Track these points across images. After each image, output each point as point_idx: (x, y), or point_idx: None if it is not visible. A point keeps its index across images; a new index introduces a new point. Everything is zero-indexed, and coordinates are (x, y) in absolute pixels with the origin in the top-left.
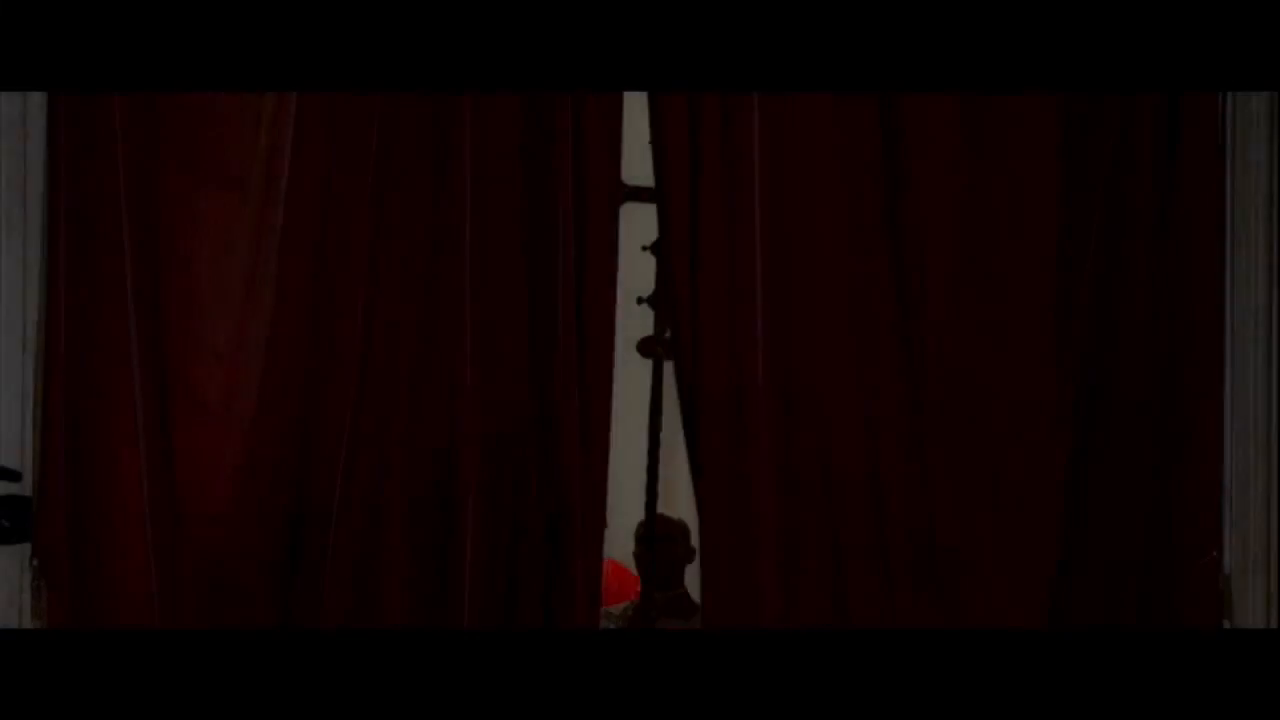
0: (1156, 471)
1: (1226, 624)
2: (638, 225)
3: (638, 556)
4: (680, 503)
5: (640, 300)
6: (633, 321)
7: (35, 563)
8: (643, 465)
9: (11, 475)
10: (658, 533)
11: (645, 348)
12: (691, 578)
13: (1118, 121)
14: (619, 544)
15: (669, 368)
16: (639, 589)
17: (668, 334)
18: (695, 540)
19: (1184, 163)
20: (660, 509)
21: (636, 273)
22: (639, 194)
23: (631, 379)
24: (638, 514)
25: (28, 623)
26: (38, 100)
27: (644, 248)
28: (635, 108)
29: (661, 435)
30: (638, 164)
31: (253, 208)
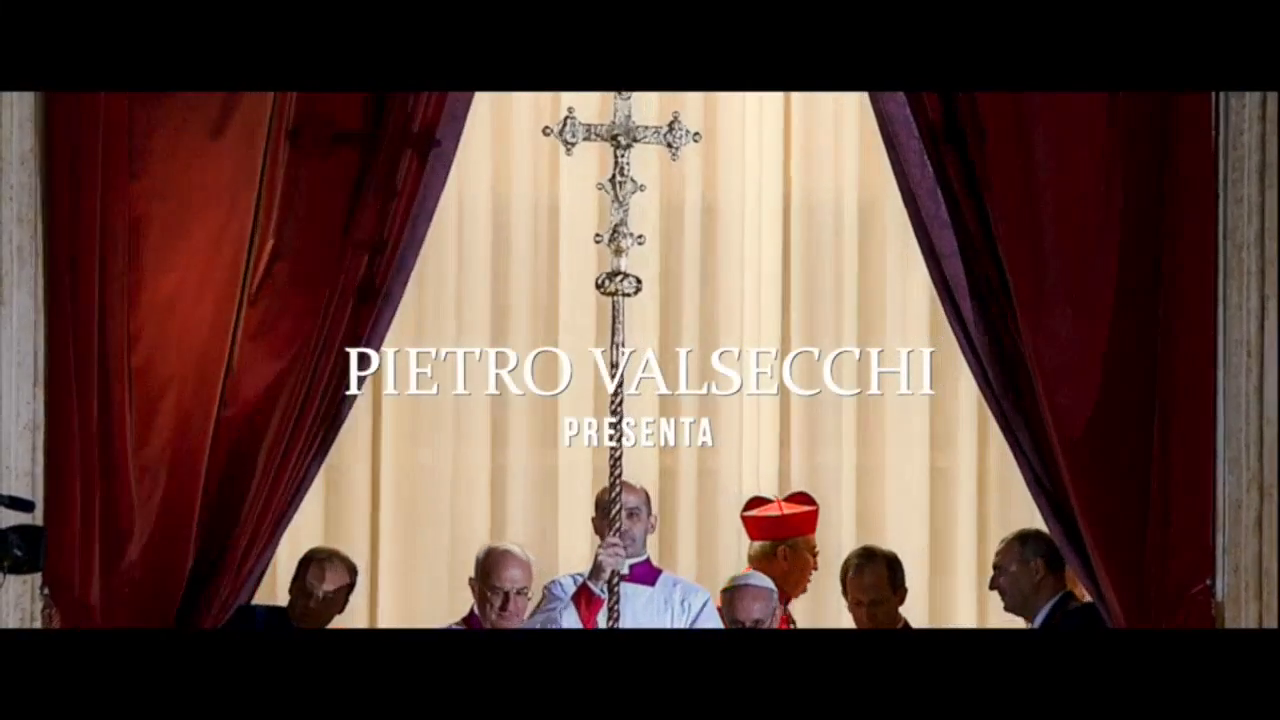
0: (1150, 502)
1: None
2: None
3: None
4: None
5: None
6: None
7: (45, 591)
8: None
9: (25, 505)
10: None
11: (603, 284)
12: None
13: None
14: None
15: (626, 304)
16: None
17: (623, 270)
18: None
19: (1179, 198)
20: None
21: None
22: None
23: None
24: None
25: None
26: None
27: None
28: None
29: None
30: None
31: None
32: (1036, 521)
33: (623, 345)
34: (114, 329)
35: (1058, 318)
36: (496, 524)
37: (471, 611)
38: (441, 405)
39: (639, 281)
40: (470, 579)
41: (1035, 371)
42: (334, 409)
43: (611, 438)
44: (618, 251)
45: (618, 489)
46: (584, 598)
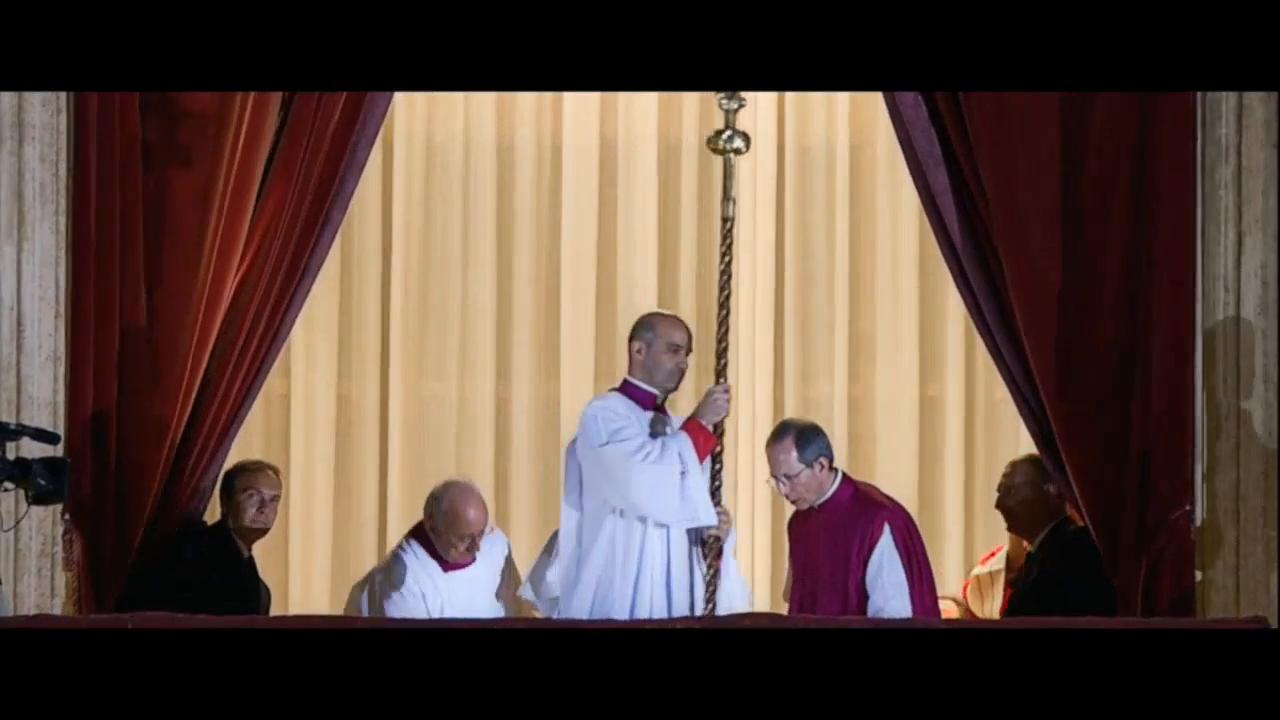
0: (1131, 431)
1: (1199, 574)
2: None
3: None
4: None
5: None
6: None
7: (66, 516)
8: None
9: (51, 438)
10: None
11: (712, 141)
12: None
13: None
14: None
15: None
16: None
17: (731, 133)
18: None
19: (1157, 137)
20: None
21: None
22: None
23: None
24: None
25: (59, 570)
26: None
27: None
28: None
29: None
30: None
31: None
32: (1022, 451)
33: (735, 200)
34: (133, 263)
35: (1037, 253)
36: (501, 452)
37: (420, 527)
38: (447, 337)
39: (748, 139)
40: (428, 518)
41: (1018, 305)
42: (274, 327)
43: (723, 276)
44: (730, 110)
45: (725, 333)
46: (701, 435)
